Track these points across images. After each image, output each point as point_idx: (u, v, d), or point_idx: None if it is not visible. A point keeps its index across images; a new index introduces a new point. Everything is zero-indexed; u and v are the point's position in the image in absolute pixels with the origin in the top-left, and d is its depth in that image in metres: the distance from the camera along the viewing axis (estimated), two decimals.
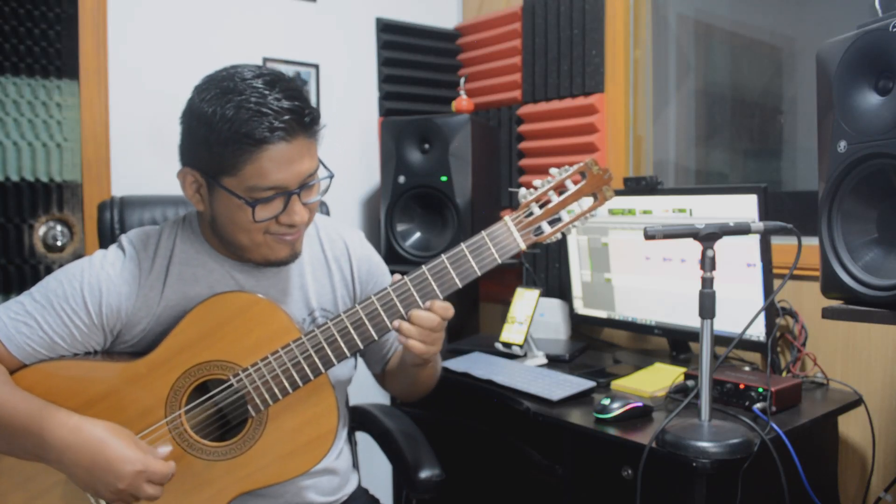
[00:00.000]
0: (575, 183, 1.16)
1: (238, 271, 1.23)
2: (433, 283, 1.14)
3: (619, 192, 1.88)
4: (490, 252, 1.15)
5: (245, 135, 1.05)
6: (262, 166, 1.07)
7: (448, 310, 1.16)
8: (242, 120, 1.05)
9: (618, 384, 1.63)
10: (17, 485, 1.11)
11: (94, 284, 1.14)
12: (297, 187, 1.11)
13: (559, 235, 1.17)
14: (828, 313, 1.12)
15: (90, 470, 1.03)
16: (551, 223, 1.16)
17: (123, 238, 1.22)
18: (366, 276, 1.36)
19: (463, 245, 1.15)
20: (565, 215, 1.16)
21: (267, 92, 1.07)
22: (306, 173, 1.12)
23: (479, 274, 1.15)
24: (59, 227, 1.94)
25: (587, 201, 1.17)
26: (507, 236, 1.15)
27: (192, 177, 1.14)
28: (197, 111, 1.08)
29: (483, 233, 1.15)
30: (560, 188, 1.16)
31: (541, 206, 1.16)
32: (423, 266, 1.15)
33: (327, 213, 1.70)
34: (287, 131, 1.07)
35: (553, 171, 1.17)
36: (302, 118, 1.09)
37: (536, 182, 1.16)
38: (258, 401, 1.14)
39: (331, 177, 1.17)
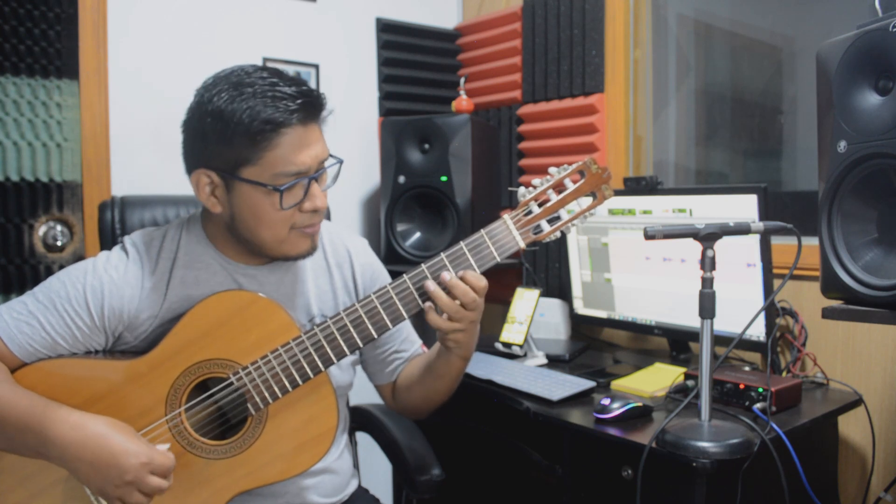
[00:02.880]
0: (574, 182, 1.16)
1: (241, 274, 1.22)
2: None
3: (618, 192, 1.88)
4: (489, 250, 1.15)
5: (265, 121, 1.07)
6: (284, 151, 1.09)
7: (479, 280, 1.14)
8: (260, 108, 1.07)
9: (618, 384, 1.63)
10: (17, 482, 1.11)
11: (96, 287, 1.14)
12: (315, 172, 1.14)
13: (558, 234, 1.16)
14: (828, 313, 1.12)
15: (94, 465, 1.03)
16: (550, 222, 1.16)
17: (127, 240, 1.22)
18: (369, 284, 1.36)
19: (462, 243, 1.15)
20: (564, 214, 1.16)
21: (276, 80, 1.11)
22: (321, 157, 1.15)
23: (477, 273, 1.15)
24: (59, 227, 1.94)
25: (586, 200, 1.17)
26: (505, 235, 1.15)
27: (206, 178, 1.13)
28: (210, 108, 1.09)
29: (482, 231, 1.15)
30: (559, 187, 1.16)
31: (540, 205, 1.16)
32: (423, 265, 1.15)
33: (328, 215, 1.70)
34: (303, 113, 1.10)
35: (552, 169, 1.17)
36: (313, 101, 1.13)
37: (535, 181, 1.16)
38: (258, 399, 1.13)
39: (340, 162, 1.19)
